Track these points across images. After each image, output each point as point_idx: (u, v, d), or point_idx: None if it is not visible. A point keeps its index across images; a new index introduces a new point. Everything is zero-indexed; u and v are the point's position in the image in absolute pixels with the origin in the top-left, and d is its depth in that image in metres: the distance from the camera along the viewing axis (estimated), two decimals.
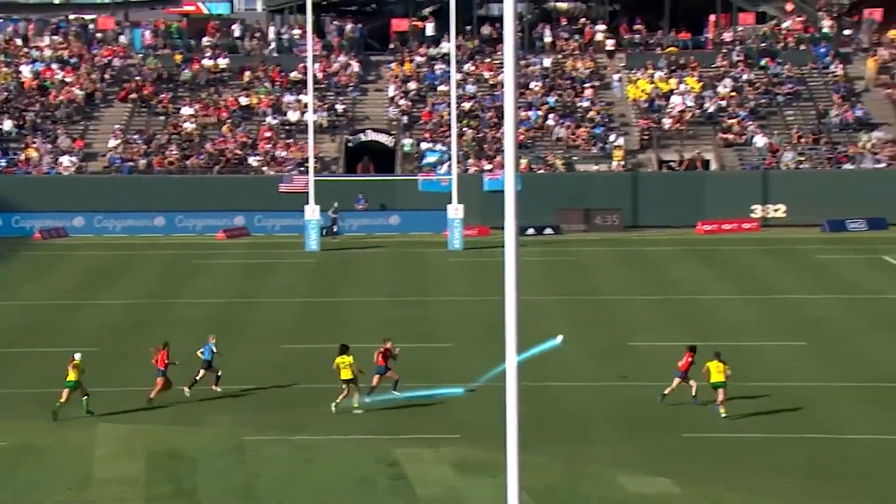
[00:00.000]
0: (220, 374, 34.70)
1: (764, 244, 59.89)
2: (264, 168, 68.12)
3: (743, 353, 36.55)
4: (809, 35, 74.75)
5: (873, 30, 74.57)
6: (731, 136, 68.67)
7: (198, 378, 34.42)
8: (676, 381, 32.88)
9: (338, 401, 32.77)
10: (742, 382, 34.82)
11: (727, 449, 30.36)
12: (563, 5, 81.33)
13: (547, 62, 74.22)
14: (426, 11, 78.70)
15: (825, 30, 74.77)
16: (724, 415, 32.20)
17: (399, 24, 77.18)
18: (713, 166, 67.84)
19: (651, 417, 32.73)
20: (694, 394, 32.78)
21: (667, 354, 39.05)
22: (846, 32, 75.16)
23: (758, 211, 65.15)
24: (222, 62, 75.19)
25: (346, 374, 32.75)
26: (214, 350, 34.62)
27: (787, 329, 42.35)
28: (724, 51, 73.80)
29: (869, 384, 35.35)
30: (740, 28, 75.27)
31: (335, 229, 63.51)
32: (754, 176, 65.82)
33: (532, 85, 72.35)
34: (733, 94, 71.11)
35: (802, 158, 66.66)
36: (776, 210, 65.13)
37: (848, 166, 66.33)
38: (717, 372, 32.20)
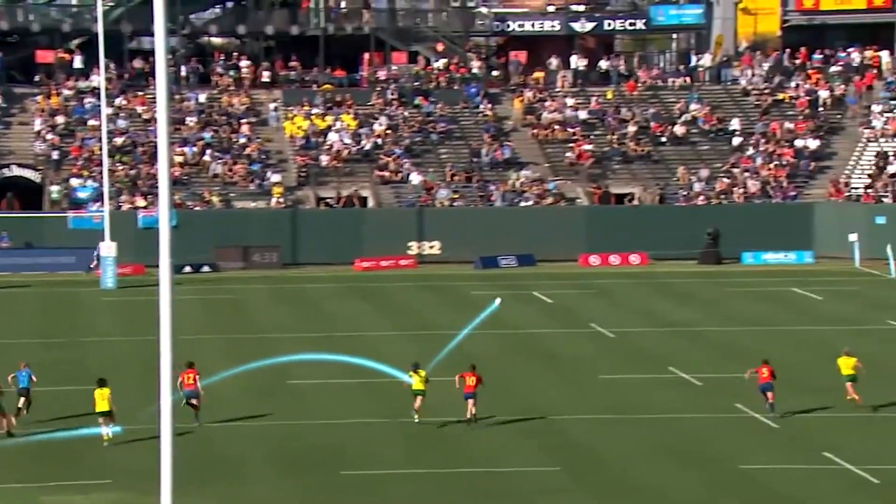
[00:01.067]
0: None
1: (421, 280, 60.98)
2: None
3: (404, 390, 36.80)
4: (460, 75, 76.94)
5: (519, 71, 77.52)
6: (387, 174, 69.74)
7: (20, 406, 33.88)
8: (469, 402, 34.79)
9: (107, 433, 32.72)
10: (399, 419, 35.24)
11: (384, 485, 30.53)
12: (217, 40, 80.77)
13: (202, 97, 73.45)
14: (73, 43, 76.43)
15: (475, 70, 77.14)
16: (416, 419, 34.44)
17: (44, 56, 74.67)
18: (370, 203, 68.70)
19: (309, 455, 32.61)
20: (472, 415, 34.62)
21: (325, 392, 39.14)
22: (494, 73, 77.80)
23: (414, 248, 66.35)
24: None
25: (101, 407, 32.94)
26: (34, 378, 34.35)
27: (443, 365, 43.03)
28: (379, 89, 74.98)
29: (518, 417, 36.34)
30: (394, 67, 76.71)
31: (92, 265, 60.93)
32: (410, 213, 67.02)
33: (187, 120, 71.39)
34: (389, 131, 72.31)
35: (456, 196, 68.38)
36: (431, 247, 66.50)
37: (498, 204, 68.44)
38: (418, 381, 34.85)
